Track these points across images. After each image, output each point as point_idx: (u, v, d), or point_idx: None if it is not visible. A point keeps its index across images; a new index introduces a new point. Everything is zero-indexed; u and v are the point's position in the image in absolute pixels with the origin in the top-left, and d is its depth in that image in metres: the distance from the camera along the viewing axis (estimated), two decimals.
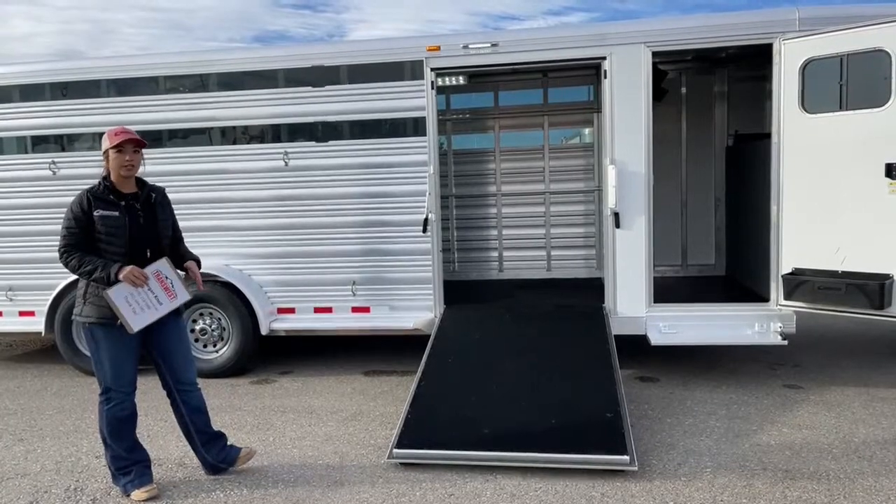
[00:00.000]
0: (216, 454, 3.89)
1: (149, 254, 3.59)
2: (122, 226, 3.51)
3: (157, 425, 4.78)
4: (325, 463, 4.09)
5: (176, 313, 3.73)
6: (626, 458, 3.72)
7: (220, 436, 3.94)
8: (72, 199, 3.55)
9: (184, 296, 3.59)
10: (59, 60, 6.26)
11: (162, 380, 3.78)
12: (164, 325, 3.65)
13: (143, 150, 3.65)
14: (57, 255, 3.52)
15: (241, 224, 5.94)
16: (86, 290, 3.54)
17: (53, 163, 6.08)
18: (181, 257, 3.79)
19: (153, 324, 3.57)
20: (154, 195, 3.70)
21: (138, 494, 3.60)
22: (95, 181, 3.61)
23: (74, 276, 5.70)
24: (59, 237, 3.53)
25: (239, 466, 3.94)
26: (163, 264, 3.54)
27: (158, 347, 3.70)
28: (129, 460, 3.64)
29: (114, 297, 3.39)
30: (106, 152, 3.55)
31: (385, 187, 5.74)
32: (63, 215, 3.52)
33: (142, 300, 3.46)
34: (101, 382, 3.59)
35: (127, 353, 3.57)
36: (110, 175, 3.58)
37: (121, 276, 3.40)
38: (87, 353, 6.05)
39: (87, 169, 5.97)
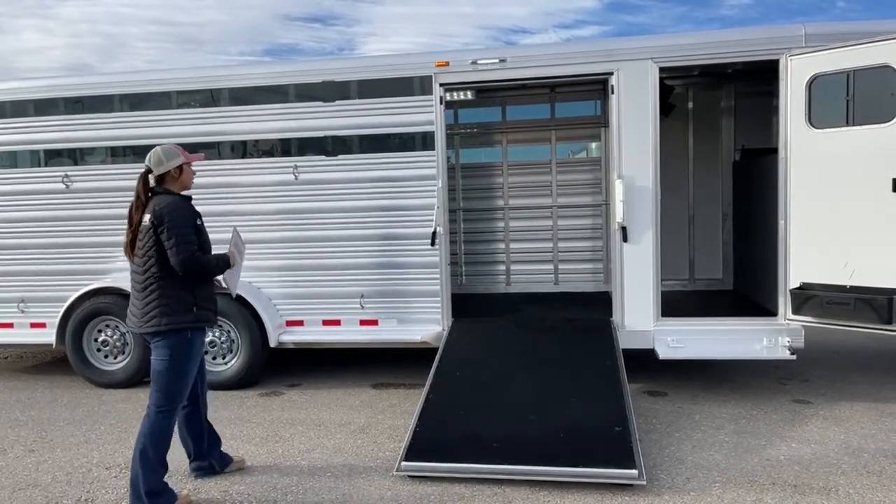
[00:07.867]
0: (218, 457, 4.13)
1: None
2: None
3: None
4: (334, 475, 4.10)
5: None
6: (634, 472, 3.72)
7: (220, 440, 4.21)
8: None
9: (244, 251, 4.12)
10: (72, 75, 6.34)
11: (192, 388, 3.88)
12: None
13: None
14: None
15: (250, 237, 5.95)
16: (195, 295, 3.66)
17: (66, 176, 6.16)
18: None
19: None
20: None
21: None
22: (127, 194, 3.83)
23: (87, 289, 5.87)
24: (175, 245, 3.53)
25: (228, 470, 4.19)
26: (232, 238, 4.01)
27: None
28: (159, 473, 3.61)
29: (230, 279, 3.93)
30: (181, 167, 3.78)
31: (394, 201, 5.78)
32: (175, 223, 3.56)
33: (234, 271, 3.99)
34: (167, 393, 3.60)
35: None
36: (176, 186, 3.80)
37: (231, 262, 3.86)
38: (98, 365, 6.19)
39: (99, 182, 6.08)
